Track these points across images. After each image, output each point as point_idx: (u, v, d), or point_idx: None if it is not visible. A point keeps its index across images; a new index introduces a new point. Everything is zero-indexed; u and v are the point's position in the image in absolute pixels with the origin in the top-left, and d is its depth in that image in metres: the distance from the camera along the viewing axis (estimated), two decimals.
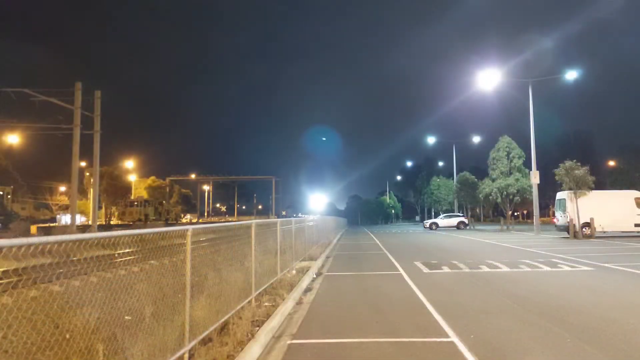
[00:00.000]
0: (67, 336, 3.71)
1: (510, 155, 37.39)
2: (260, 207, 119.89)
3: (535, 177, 29.03)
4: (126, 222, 49.26)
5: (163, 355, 3.81)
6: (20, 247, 2.41)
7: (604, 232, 24.05)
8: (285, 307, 6.79)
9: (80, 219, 50.38)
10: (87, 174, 49.63)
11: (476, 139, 51.12)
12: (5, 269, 8.59)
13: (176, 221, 62.40)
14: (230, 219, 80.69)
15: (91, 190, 38.62)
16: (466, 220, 43.64)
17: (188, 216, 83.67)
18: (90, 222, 30.24)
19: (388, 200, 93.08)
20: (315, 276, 10.78)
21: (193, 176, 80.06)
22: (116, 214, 55.82)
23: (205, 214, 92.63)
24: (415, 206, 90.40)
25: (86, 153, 28.66)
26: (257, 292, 6.91)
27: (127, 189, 59.96)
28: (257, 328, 5.51)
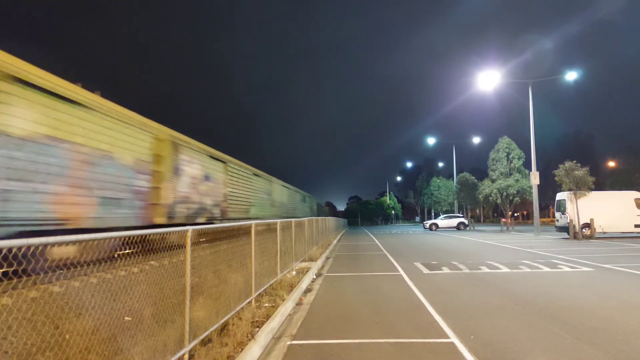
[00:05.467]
0: (67, 337, 3.71)
1: (510, 156, 37.41)
2: None
3: (535, 178, 29.03)
4: None
5: (163, 356, 3.81)
6: (20, 247, 2.41)
7: (604, 232, 24.07)
8: (285, 308, 6.79)
9: None
10: None
11: (476, 140, 51.16)
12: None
13: None
14: None
15: None
16: (466, 221, 43.65)
17: None
18: None
19: (388, 201, 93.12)
20: (315, 277, 10.78)
21: None
22: None
23: None
24: (415, 207, 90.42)
25: None
26: (257, 293, 6.91)
27: None
28: (257, 329, 5.50)
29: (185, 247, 4.27)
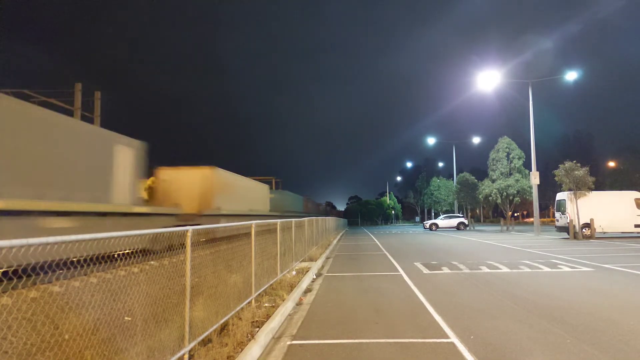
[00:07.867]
0: (67, 337, 3.71)
1: (510, 156, 37.43)
2: None
3: (535, 178, 29.04)
4: None
5: (163, 356, 3.81)
6: (20, 247, 2.41)
7: (604, 232, 24.08)
8: (285, 308, 6.79)
9: None
10: None
11: (476, 140, 51.16)
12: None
13: None
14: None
15: None
16: (466, 221, 43.65)
17: None
18: None
19: (388, 201, 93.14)
20: (315, 277, 10.78)
21: None
22: None
23: None
24: (415, 207, 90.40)
25: None
26: (257, 293, 6.91)
27: None
28: (257, 329, 5.50)
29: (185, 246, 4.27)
